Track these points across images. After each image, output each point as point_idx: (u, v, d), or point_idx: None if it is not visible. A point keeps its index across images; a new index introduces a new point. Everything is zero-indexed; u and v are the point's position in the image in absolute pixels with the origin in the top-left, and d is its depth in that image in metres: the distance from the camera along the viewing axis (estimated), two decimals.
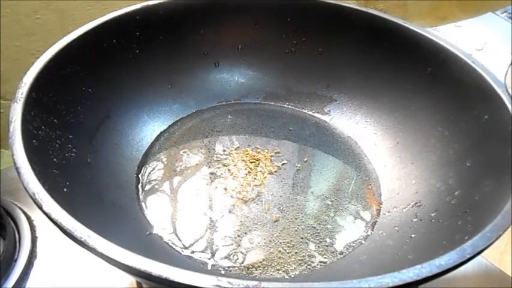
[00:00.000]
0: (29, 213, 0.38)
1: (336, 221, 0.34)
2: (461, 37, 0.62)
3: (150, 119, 0.39)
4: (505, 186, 0.26)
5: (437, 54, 0.36)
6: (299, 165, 0.38)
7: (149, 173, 0.36)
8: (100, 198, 0.30)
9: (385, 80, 0.40)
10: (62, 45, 0.32)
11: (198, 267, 0.30)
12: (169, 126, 0.40)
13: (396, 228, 0.32)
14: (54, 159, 0.28)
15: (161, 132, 0.40)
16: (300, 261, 0.31)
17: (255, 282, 0.18)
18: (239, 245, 0.31)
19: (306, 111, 0.43)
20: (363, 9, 0.40)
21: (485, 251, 0.22)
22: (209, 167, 0.37)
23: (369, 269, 0.30)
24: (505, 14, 0.68)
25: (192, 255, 0.31)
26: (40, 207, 0.22)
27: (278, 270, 0.30)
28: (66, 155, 0.30)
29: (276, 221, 0.33)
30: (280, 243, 0.32)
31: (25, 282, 0.33)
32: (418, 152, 0.36)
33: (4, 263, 0.33)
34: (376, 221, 0.34)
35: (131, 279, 0.34)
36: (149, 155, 0.38)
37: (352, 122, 0.42)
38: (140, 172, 0.36)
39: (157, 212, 0.33)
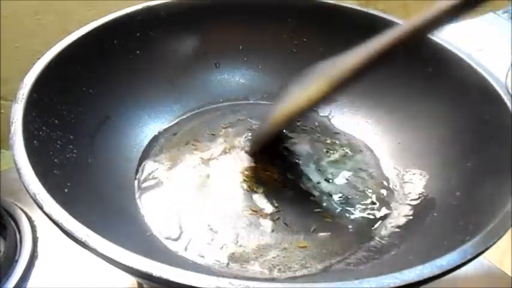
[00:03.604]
0: (29, 213, 0.38)
1: (336, 221, 0.34)
2: (462, 37, 0.62)
3: (151, 119, 0.39)
4: (506, 186, 0.26)
5: (437, 54, 0.36)
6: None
7: (149, 174, 0.36)
8: (101, 198, 0.30)
9: (385, 80, 0.39)
10: (63, 46, 0.32)
11: (199, 267, 0.30)
12: (170, 126, 0.40)
13: (397, 228, 0.32)
14: (55, 160, 0.28)
15: (161, 133, 0.40)
16: (301, 262, 0.31)
17: (255, 283, 0.18)
18: (240, 246, 0.31)
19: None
20: (363, 10, 0.40)
21: (487, 252, 0.22)
22: (209, 167, 0.37)
23: (369, 270, 0.30)
24: (505, 14, 0.68)
25: (192, 255, 0.31)
26: (41, 208, 0.22)
27: (278, 270, 0.30)
28: (67, 155, 0.30)
29: (276, 222, 0.33)
30: (281, 243, 0.32)
31: (26, 283, 0.34)
32: (419, 153, 0.36)
33: (5, 263, 0.33)
34: (377, 221, 0.34)
35: (132, 280, 0.34)
36: (149, 156, 0.37)
37: (353, 122, 0.41)
38: (141, 172, 0.36)
39: (157, 212, 0.33)
